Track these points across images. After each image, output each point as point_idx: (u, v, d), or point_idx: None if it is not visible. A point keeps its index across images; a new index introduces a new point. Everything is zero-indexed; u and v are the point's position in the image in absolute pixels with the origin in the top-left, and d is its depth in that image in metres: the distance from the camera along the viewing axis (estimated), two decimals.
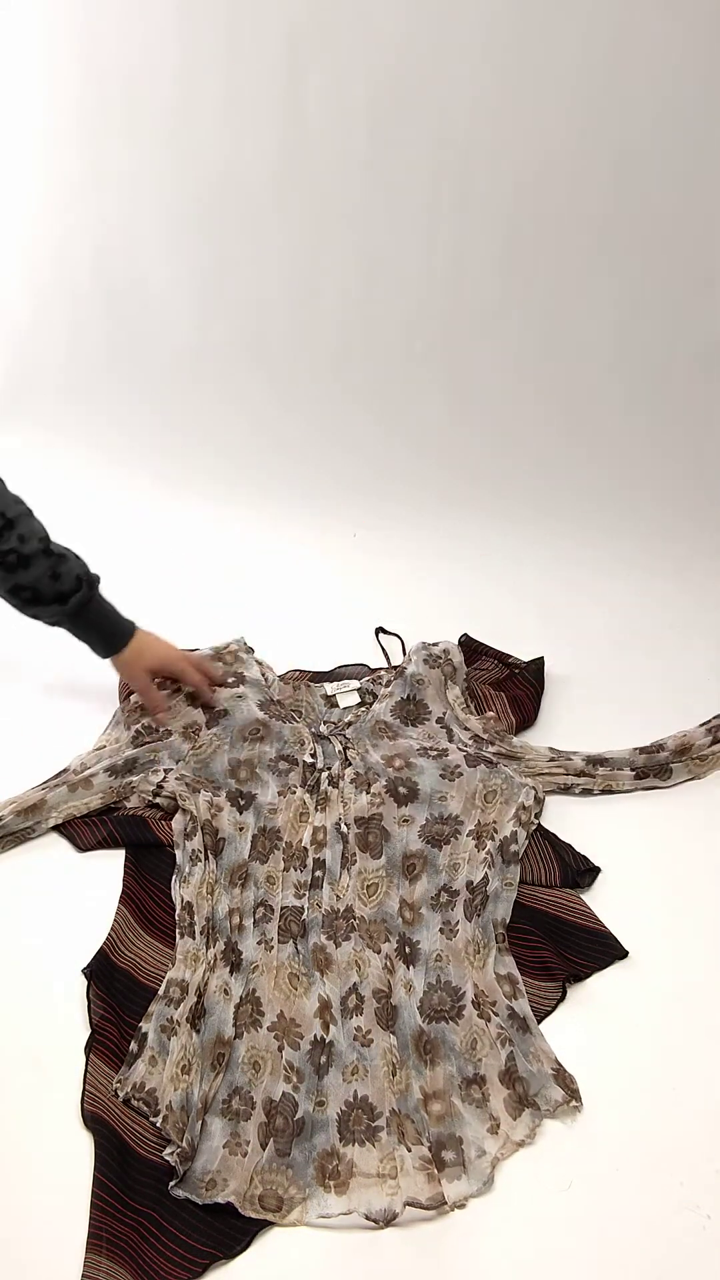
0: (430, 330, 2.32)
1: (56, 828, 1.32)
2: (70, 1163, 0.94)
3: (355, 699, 1.54)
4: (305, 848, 1.28)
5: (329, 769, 1.39)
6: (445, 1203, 0.92)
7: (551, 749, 1.46)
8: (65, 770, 1.38)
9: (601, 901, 1.24)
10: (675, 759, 1.44)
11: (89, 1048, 1.04)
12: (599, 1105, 1.02)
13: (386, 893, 1.23)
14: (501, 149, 2.11)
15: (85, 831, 1.31)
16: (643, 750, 1.45)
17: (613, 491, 2.18)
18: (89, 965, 1.12)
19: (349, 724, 1.48)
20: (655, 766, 1.43)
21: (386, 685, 1.53)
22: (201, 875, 1.23)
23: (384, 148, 2.17)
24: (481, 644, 1.71)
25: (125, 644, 1.40)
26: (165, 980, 1.11)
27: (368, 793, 1.34)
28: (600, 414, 2.26)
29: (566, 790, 1.41)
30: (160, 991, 1.10)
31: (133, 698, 1.48)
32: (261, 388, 2.40)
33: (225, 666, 1.51)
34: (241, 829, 1.31)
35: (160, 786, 1.35)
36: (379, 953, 1.15)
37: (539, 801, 1.36)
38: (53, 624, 1.39)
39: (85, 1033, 1.06)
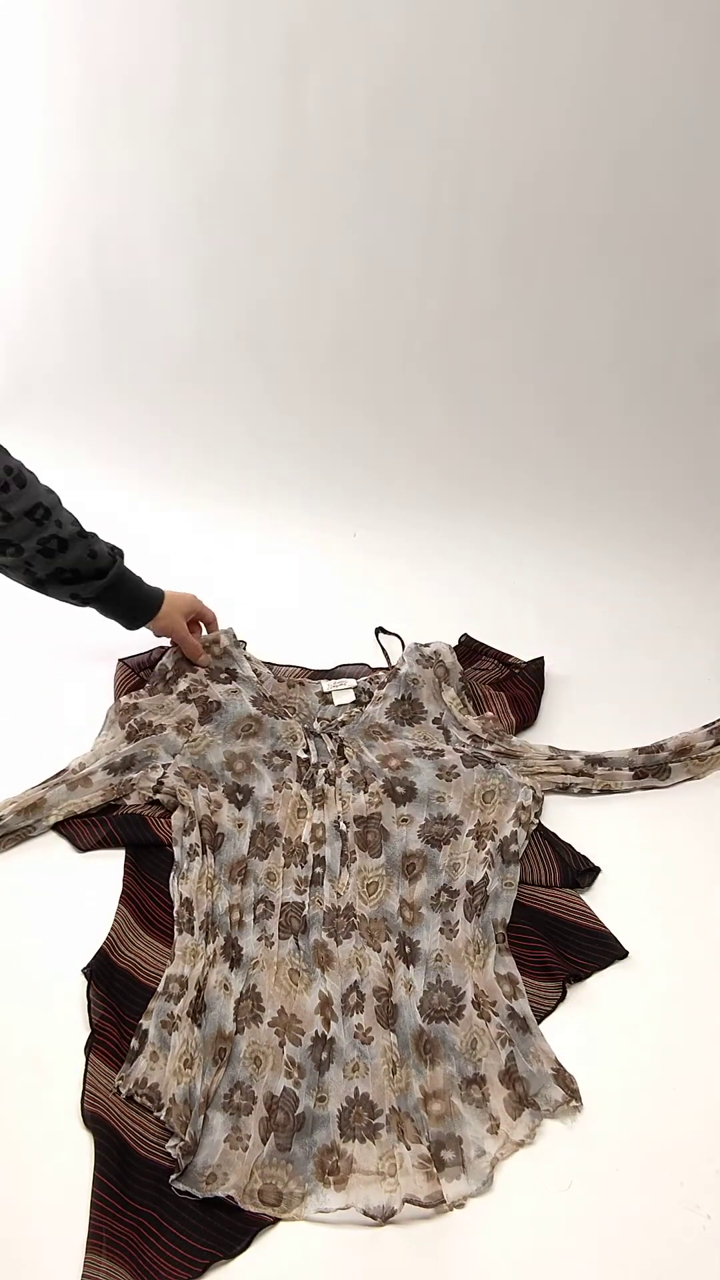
0: (429, 331, 2.32)
1: (56, 827, 1.32)
2: (70, 1163, 0.94)
3: (350, 697, 1.54)
4: (305, 844, 1.29)
5: (325, 766, 1.39)
6: (444, 1201, 0.93)
7: (551, 747, 1.46)
8: (64, 770, 1.38)
9: (601, 901, 1.24)
10: (674, 759, 1.44)
11: (89, 1048, 1.04)
12: (599, 1105, 1.02)
13: (386, 892, 1.23)
14: (500, 149, 2.11)
15: (85, 831, 1.31)
16: (642, 750, 1.45)
17: (613, 492, 2.18)
18: (89, 965, 1.12)
19: (342, 723, 1.48)
20: (654, 766, 1.43)
21: (381, 687, 1.53)
22: (200, 870, 1.23)
23: (383, 148, 2.17)
24: (481, 644, 1.71)
25: (161, 604, 1.47)
26: (164, 977, 1.11)
27: (365, 791, 1.34)
28: (600, 414, 2.26)
29: (565, 790, 1.41)
30: (160, 988, 1.10)
31: (123, 698, 1.48)
32: (261, 388, 2.40)
33: (215, 660, 1.52)
34: (240, 825, 1.31)
35: (160, 783, 1.35)
36: (379, 951, 1.15)
37: (538, 801, 1.36)
38: (85, 603, 1.43)
39: (85, 1033, 1.06)
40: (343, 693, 1.55)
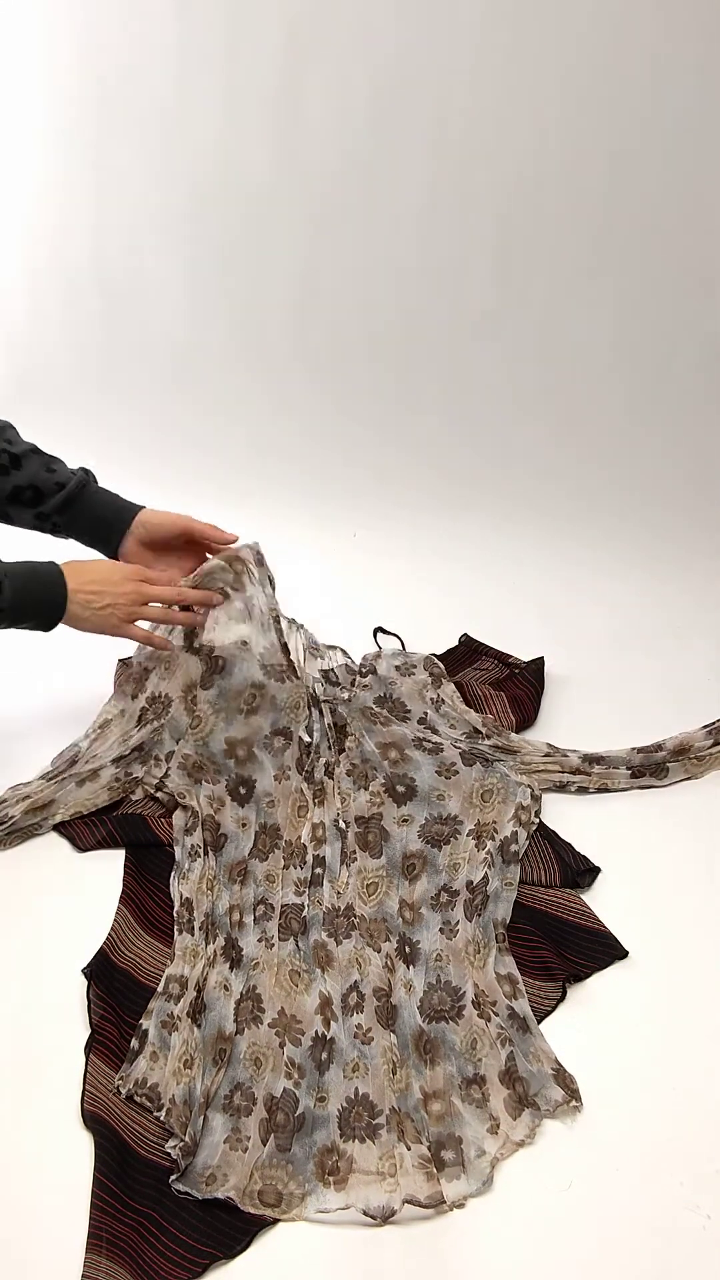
0: (428, 331, 2.32)
1: (56, 827, 1.32)
2: (70, 1163, 0.94)
3: (341, 658, 1.52)
4: (305, 844, 1.28)
5: (324, 758, 1.38)
6: (444, 1202, 0.92)
7: (549, 745, 1.46)
8: (75, 761, 1.38)
9: (601, 901, 1.24)
10: (672, 759, 1.44)
11: (89, 1048, 1.04)
12: (599, 1105, 1.02)
13: (386, 892, 1.23)
14: (499, 150, 2.11)
15: (85, 831, 1.31)
16: (640, 750, 1.45)
17: (612, 492, 2.18)
18: (89, 965, 1.12)
19: (344, 701, 1.46)
20: (651, 766, 1.43)
21: (364, 675, 1.52)
22: (201, 871, 1.23)
23: (382, 149, 2.17)
24: (481, 644, 1.71)
25: (134, 516, 1.34)
26: (164, 977, 1.11)
27: (366, 790, 1.34)
28: (599, 414, 2.26)
29: (562, 788, 1.41)
30: (160, 988, 1.10)
31: (129, 661, 1.44)
32: (260, 388, 2.40)
33: (233, 576, 1.38)
34: (244, 825, 1.31)
35: (163, 781, 1.35)
36: (379, 951, 1.15)
37: (536, 799, 1.36)
38: (56, 529, 1.35)
39: (85, 1033, 1.06)
40: (334, 655, 1.53)
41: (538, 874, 1.28)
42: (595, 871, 1.28)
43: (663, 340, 2.20)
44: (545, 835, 1.34)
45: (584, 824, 1.36)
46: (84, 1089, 1.00)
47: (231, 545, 1.40)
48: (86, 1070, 1.02)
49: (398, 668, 1.53)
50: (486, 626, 1.75)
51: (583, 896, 1.25)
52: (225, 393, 2.41)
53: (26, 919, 1.20)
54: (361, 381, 2.37)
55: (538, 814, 1.35)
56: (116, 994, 1.10)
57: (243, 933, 1.19)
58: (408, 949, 1.17)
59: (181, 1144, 0.94)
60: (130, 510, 1.35)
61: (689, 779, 1.45)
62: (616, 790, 1.43)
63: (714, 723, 1.50)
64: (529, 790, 1.36)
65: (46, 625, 1.27)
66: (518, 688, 1.59)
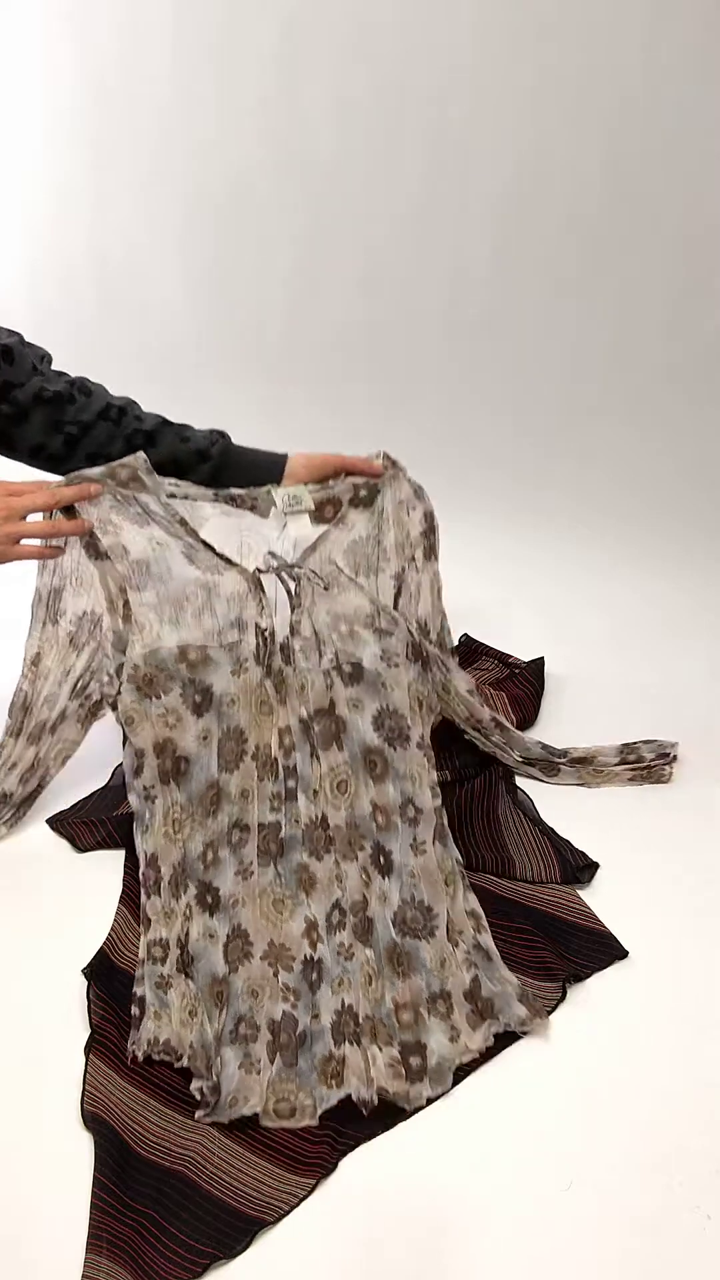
0: (428, 331, 2.32)
1: (56, 828, 1.32)
2: (70, 1163, 0.94)
3: (306, 524, 1.32)
4: (274, 757, 1.25)
5: (280, 639, 1.28)
6: (409, 1100, 1.00)
7: (470, 690, 1.43)
8: (27, 708, 1.30)
9: (601, 901, 1.24)
10: (571, 765, 1.46)
11: (89, 1048, 1.04)
12: (599, 1105, 1.02)
13: (356, 793, 1.24)
14: (499, 150, 2.11)
15: (85, 831, 1.31)
16: (544, 745, 1.47)
17: (612, 493, 2.19)
18: (89, 965, 1.12)
19: (294, 566, 1.30)
20: (545, 762, 1.46)
21: (352, 507, 1.34)
22: (164, 811, 1.21)
23: (381, 150, 2.17)
24: (481, 644, 1.71)
25: (283, 466, 1.31)
26: (143, 944, 1.13)
27: (320, 669, 1.27)
28: (600, 415, 2.26)
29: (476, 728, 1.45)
30: (141, 954, 1.12)
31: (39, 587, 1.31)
32: (259, 389, 2.40)
33: (120, 489, 1.24)
34: (206, 738, 1.24)
35: (115, 700, 1.25)
36: (355, 861, 1.19)
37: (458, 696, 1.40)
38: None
39: (85, 1033, 1.06)
40: (297, 515, 1.32)
41: (537, 870, 1.28)
42: (594, 867, 1.29)
43: (661, 343, 2.21)
44: (544, 831, 1.34)
45: (586, 823, 1.36)
46: (84, 1089, 1.00)
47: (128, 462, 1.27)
48: (86, 1070, 1.02)
49: (403, 502, 1.39)
50: (486, 626, 1.75)
51: (582, 895, 1.25)
52: (225, 393, 2.41)
53: (26, 919, 1.20)
54: (359, 382, 2.37)
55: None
56: (116, 994, 1.10)
57: (218, 870, 1.19)
58: (382, 859, 1.20)
59: (208, 1084, 1.00)
60: (279, 462, 1.33)
61: (581, 785, 1.46)
62: (507, 763, 1.46)
63: (632, 745, 1.49)
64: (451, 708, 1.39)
65: None
66: (518, 688, 1.59)
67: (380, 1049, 1.05)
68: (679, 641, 1.79)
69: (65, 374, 1.31)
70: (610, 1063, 1.06)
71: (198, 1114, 0.98)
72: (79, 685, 1.30)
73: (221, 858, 1.20)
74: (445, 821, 1.27)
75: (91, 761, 1.45)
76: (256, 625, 1.27)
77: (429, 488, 2.23)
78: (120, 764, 1.44)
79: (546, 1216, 0.92)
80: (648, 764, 1.45)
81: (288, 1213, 0.92)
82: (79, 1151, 0.95)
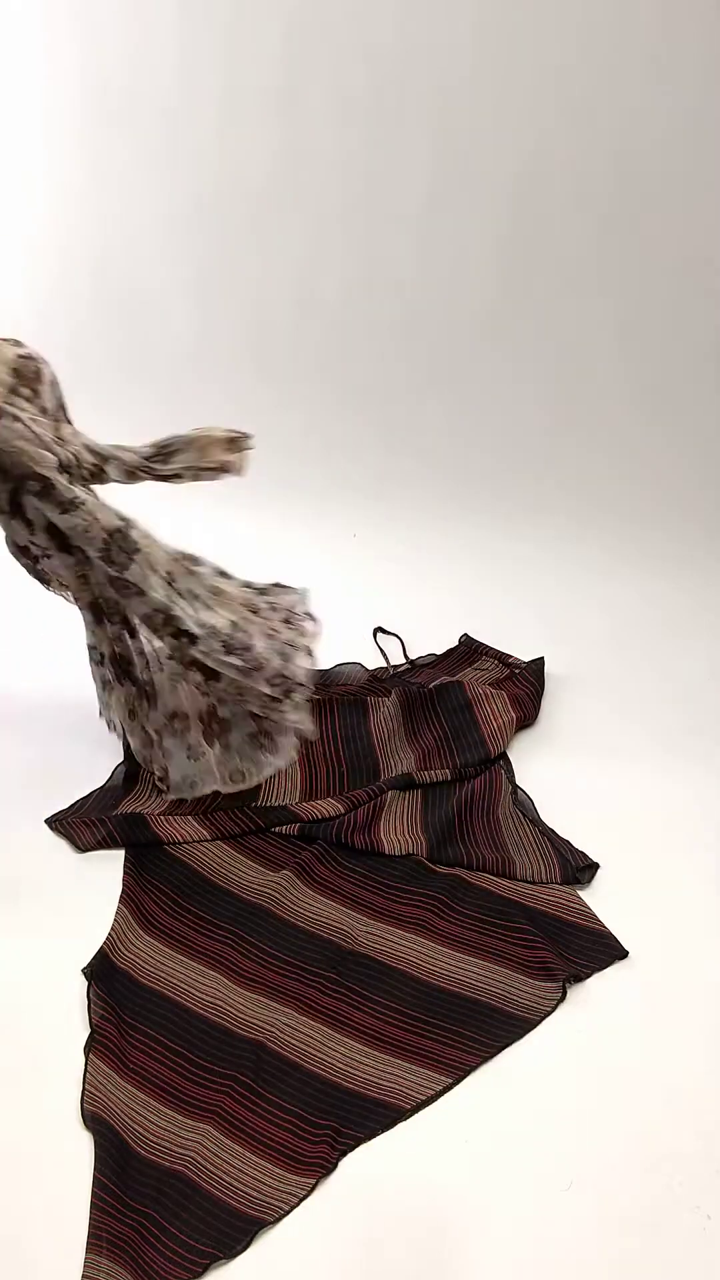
0: (429, 331, 2.32)
1: (56, 828, 1.32)
2: (70, 1163, 0.94)
3: None
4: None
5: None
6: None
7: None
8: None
9: (601, 901, 1.24)
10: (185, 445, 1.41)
11: (89, 1048, 1.04)
12: (599, 1105, 1.02)
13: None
14: (500, 149, 2.11)
15: (85, 832, 1.31)
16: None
17: (612, 492, 2.18)
18: (89, 965, 1.12)
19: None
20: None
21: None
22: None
23: (383, 149, 2.17)
24: (481, 644, 1.71)
25: None
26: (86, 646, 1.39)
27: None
28: (600, 415, 2.26)
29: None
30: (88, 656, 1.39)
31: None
32: (261, 388, 2.40)
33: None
34: None
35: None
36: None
37: None
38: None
39: (85, 1033, 1.06)
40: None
41: (537, 870, 1.28)
42: (594, 867, 1.29)
43: (665, 342, 2.20)
44: (544, 831, 1.34)
45: (585, 821, 1.36)
46: (84, 1089, 1.00)
47: None
48: (86, 1070, 1.02)
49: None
50: (486, 626, 1.75)
51: (582, 895, 1.25)
52: (227, 393, 2.41)
53: (27, 919, 1.20)
54: (362, 382, 2.37)
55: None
56: (116, 994, 1.10)
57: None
58: None
59: (158, 777, 1.34)
60: None
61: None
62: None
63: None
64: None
65: None
66: (518, 687, 1.59)
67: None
68: (679, 641, 1.78)
69: None
70: (610, 1063, 1.06)
71: (169, 797, 1.27)
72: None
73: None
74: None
75: (91, 761, 1.45)
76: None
77: (429, 488, 2.24)
78: (120, 764, 1.44)
79: (546, 1216, 0.92)
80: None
81: (288, 1213, 0.92)
82: (79, 1151, 0.95)
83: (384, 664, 1.68)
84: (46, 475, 1.19)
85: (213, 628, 1.27)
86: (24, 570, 1.35)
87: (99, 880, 1.25)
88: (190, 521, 2.10)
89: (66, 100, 2.30)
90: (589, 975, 1.15)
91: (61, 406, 1.31)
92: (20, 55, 2.29)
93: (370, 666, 1.66)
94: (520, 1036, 1.08)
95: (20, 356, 1.26)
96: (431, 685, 1.55)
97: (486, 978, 1.14)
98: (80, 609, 1.36)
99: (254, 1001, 1.11)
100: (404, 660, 1.69)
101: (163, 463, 1.34)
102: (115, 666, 1.35)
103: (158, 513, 2.11)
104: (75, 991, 1.10)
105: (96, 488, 1.30)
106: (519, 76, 2.03)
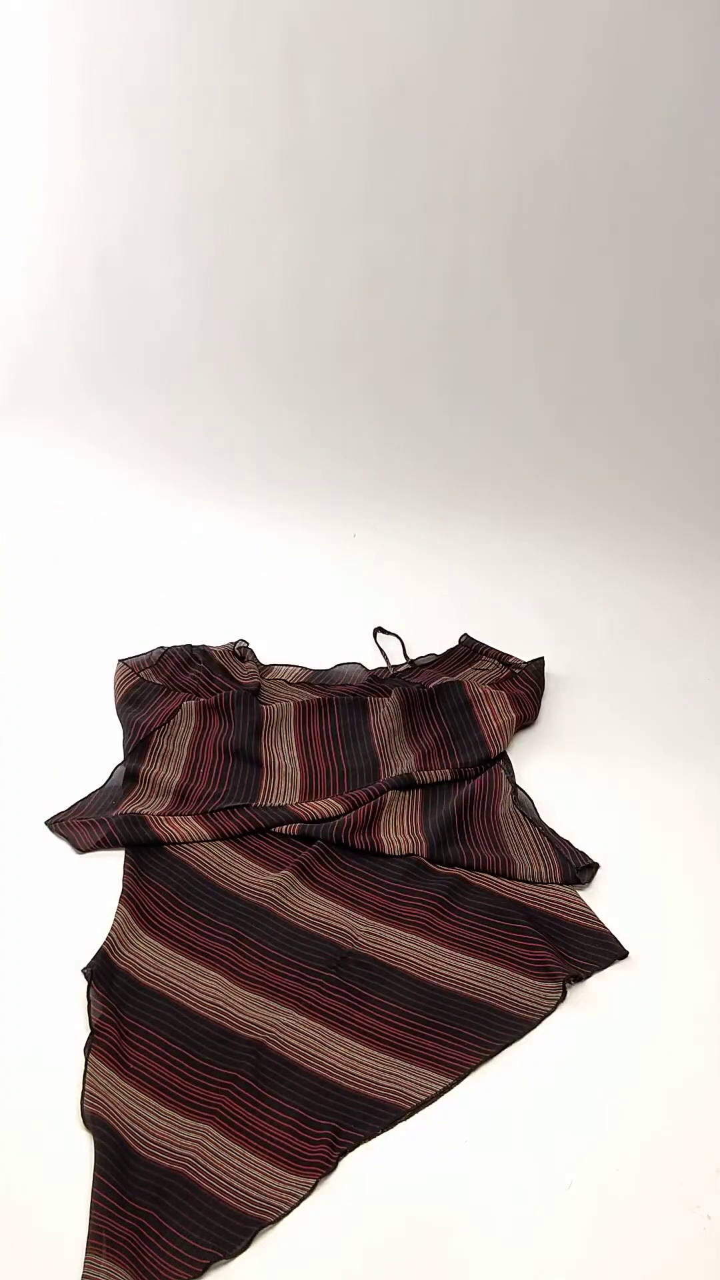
0: (430, 331, 2.31)
1: (55, 828, 1.32)
2: (70, 1163, 0.94)
3: None
4: None
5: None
6: None
7: None
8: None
9: (601, 901, 1.24)
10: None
11: (89, 1048, 1.04)
12: (599, 1105, 1.02)
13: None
14: (501, 148, 2.11)
15: (85, 832, 1.31)
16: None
17: (613, 492, 2.18)
18: (89, 965, 1.12)
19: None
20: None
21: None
22: None
23: (384, 149, 2.17)
24: (481, 644, 1.71)
25: None
26: None
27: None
28: (600, 415, 2.26)
29: None
30: None
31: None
32: (262, 389, 2.40)
33: None
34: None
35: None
36: None
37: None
38: None
39: (85, 1033, 1.06)
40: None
41: (537, 870, 1.28)
42: (594, 867, 1.29)
43: (663, 341, 2.20)
44: (544, 831, 1.34)
45: (585, 821, 1.36)
46: (84, 1089, 1.00)
47: None
48: (86, 1070, 1.02)
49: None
50: (486, 626, 1.75)
51: (582, 895, 1.25)
52: (228, 392, 2.41)
53: (27, 919, 1.20)
54: (363, 382, 2.36)
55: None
56: (116, 994, 1.10)
57: None
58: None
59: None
60: None
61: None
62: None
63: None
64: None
65: None
66: (518, 687, 1.59)
67: None
68: (680, 641, 1.78)
69: None
70: (610, 1063, 1.06)
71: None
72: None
73: None
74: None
75: (91, 761, 1.45)
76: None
77: (429, 488, 2.24)
78: (120, 764, 1.44)
79: (547, 1216, 0.92)
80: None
81: (288, 1213, 0.92)
82: (79, 1151, 0.95)
83: (384, 664, 1.68)
84: None
85: None
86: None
87: (99, 880, 1.25)
88: (190, 522, 2.11)
89: (68, 100, 2.30)
90: (589, 975, 1.15)
91: None
92: (21, 55, 2.29)
93: (370, 666, 1.66)
94: (520, 1036, 1.08)
95: None
96: (431, 685, 1.56)
97: (486, 978, 1.14)
98: None
99: (254, 1001, 1.11)
100: (404, 660, 1.69)
101: None
102: None
103: (158, 513, 2.13)
104: (75, 991, 1.10)
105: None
106: (520, 76, 2.03)
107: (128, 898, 1.22)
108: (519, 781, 1.44)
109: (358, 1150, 0.97)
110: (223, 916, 1.21)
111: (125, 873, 1.25)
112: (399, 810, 1.38)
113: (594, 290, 2.20)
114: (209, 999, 1.11)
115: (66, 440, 2.34)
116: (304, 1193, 0.94)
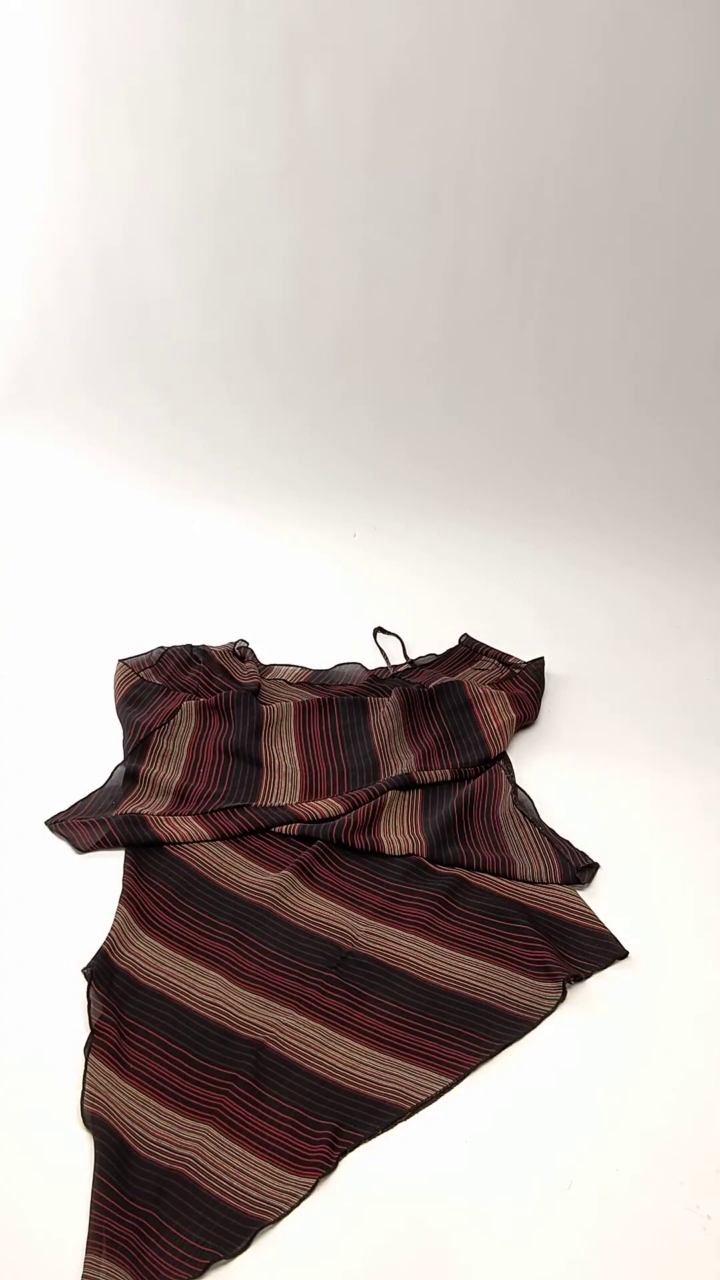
0: (430, 330, 2.32)
1: (55, 828, 1.32)
2: (70, 1163, 0.94)
3: None
4: None
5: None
6: None
7: None
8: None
9: (601, 901, 1.24)
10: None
11: (89, 1048, 1.04)
12: (599, 1105, 1.02)
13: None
14: (502, 148, 2.11)
15: (85, 832, 1.31)
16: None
17: (613, 492, 2.18)
18: (89, 965, 1.12)
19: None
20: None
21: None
22: None
23: (384, 149, 2.17)
24: (481, 644, 1.71)
25: None
26: None
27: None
28: (600, 414, 2.26)
29: None
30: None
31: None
32: (263, 389, 2.40)
33: None
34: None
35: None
36: None
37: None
38: None
39: (85, 1033, 1.06)
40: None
41: (537, 870, 1.28)
42: (594, 867, 1.29)
43: (664, 341, 2.20)
44: (544, 831, 1.34)
45: (584, 821, 1.36)
46: (84, 1089, 1.00)
47: None
48: (86, 1070, 1.02)
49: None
50: (486, 626, 1.75)
51: (582, 895, 1.25)
52: (229, 392, 2.41)
53: (27, 919, 1.20)
54: (363, 383, 2.37)
55: None
56: (116, 994, 1.10)
57: None
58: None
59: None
60: None
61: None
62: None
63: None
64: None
65: None
66: (518, 687, 1.59)
67: None
68: (680, 641, 1.78)
69: None
70: (610, 1063, 1.06)
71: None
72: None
73: None
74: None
75: (91, 761, 1.45)
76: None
77: (429, 489, 2.24)
78: (120, 764, 1.44)
79: (547, 1217, 0.92)
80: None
81: (288, 1213, 0.92)
82: (79, 1151, 0.95)
83: (384, 664, 1.68)
84: None
85: None
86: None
87: (99, 880, 1.25)
88: (191, 522, 2.11)
89: (68, 100, 2.30)
90: (589, 975, 1.15)
91: None
92: (21, 55, 2.29)
93: (370, 666, 1.66)
94: (520, 1036, 1.08)
95: None
96: (431, 685, 1.55)
97: (486, 978, 1.14)
98: None
99: (254, 1001, 1.11)
100: (404, 660, 1.69)
101: None
102: None
103: (158, 513, 2.13)
104: (75, 991, 1.10)
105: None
106: (520, 76, 2.03)
107: (128, 898, 1.22)
108: (519, 781, 1.44)
109: (358, 1150, 0.97)
110: (223, 916, 1.21)
111: (125, 873, 1.25)
112: (399, 810, 1.38)
113: (594, 290, 2.21)
114: (209, 999, 1.11)
115: (66, 440, 2.34)
116: (304, 1193, 0.94)
